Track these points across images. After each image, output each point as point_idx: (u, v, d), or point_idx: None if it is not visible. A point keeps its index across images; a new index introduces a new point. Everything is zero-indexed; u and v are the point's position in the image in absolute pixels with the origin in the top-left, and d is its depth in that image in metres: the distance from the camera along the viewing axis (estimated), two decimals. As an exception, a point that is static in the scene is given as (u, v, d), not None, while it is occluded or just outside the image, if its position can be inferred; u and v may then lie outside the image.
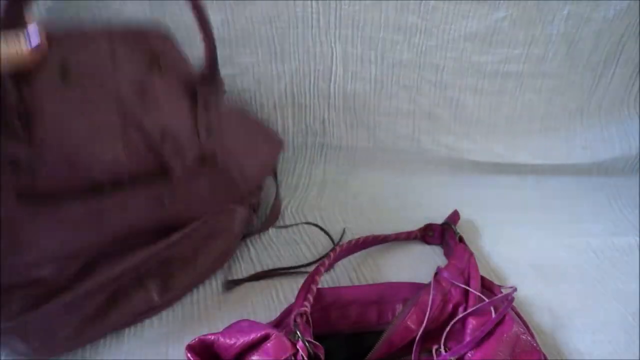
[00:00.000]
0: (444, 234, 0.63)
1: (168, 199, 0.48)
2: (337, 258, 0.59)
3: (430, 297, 0.48)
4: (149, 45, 0.45)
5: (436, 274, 0.52)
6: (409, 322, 0.46)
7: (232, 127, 0.55)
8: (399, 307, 0.50)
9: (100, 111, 0.42)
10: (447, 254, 0.61)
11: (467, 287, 0.50)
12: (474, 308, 0.47)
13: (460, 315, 0.47)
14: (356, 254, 0.61)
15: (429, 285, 0.50)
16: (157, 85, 0.44)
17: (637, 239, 0.67)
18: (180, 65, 0.48)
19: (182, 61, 0.49)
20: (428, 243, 0.64)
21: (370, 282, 0.58)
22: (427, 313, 0.47)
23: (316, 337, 0.43)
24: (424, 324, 0.46)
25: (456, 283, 0.50)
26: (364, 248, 0.62)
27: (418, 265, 0.61)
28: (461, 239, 0.60)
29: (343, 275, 0.59)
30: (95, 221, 0.44)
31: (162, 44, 0.47)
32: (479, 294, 0.49)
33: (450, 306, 0.49)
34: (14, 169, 0.39)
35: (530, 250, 0.64)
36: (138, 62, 0.44)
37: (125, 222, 0.46)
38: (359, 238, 0.61)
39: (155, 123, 0.44)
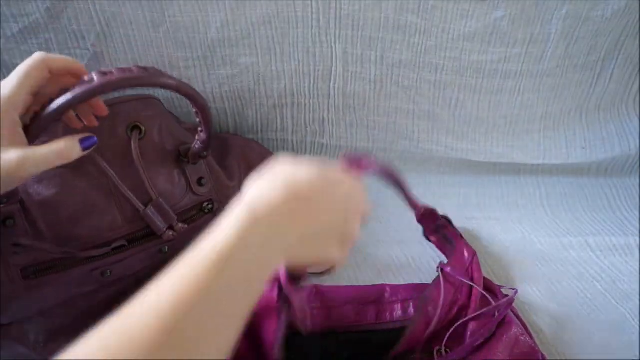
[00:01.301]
0: (439, 227, 0.62)
1: (168, 247, 0.50)
2: None
3: (442, 291, 0.47)
4: (128, 113, 0.48)
5: (442, 269, 0.52)
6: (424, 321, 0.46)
7: (231, 169, 0.57)
8: (397, 308, 0.50)
9: (91, 186, 0.45)
10: (445, 251, 0.61)
11: (473, 284, 0.49)
12: (480, 312, 0.47)
13: (466, 318, 0.47)
14: (356, 255, 0.61)
15: (436, 281, 0.49)
16: (138, 151, 0.46)
17: (637, 239, 0.67)
18: (164, 126, 0.50)
19: (166, 121, 0.50)
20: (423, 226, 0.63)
21: (369, 282, 0.58)
22: (439, 310, 0.46)
23: (316, 335, 0.43)
24: (434, 322, 0.45)
25: (463, 280, 0.50)
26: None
27: (418, 265, 0.61)
28: (461, 237, 0.60)
29: (343, 275, 0.59)
30: (98, 277, 0.46)
31: (144, 109, 0.49)
32: (484, 293, 0.49)
33: (456, 308, 0.48)
34: (16, 251, 0.41)
35: (530, 250, 0.64)
36: (119, 132, 0.47)
37: (127, 273, 0.49)
38: None
39: (137, 189, 0.46)
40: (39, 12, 0.56)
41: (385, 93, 0.70)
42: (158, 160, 0.48)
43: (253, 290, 0.29)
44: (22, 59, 0.60)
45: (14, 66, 0.60)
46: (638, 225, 0.69)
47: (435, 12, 0.64)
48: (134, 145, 0.46)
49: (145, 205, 0.46)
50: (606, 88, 0.75)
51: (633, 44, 0.71)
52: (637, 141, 0.76)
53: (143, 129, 0.48)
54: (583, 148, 0.77)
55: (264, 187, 0.32)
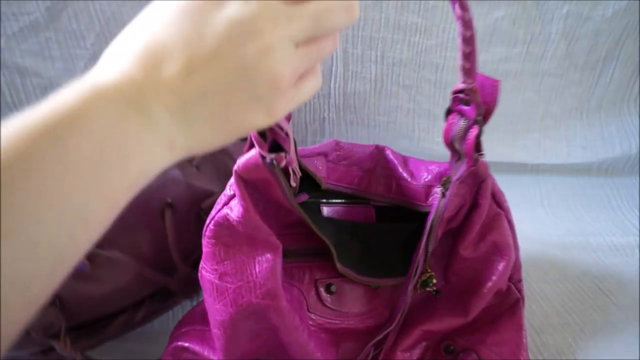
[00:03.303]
0: None
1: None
2: None
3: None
4: (159, 192, 0.46)
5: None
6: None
7: None
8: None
9: (122, 274, 0.45)
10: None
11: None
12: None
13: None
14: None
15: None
16: (173, 234, 0.46)
17: (637, 239, 0.66)
18: (189, 188, 0.49)
19: (190, 181, 0.49)
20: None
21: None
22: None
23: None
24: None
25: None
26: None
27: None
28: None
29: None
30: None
31: (172, 181, 0.48)
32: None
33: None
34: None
35: (530, 250, 0.64)
36: (154, 218, 0.46)
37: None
38: None
39: (165, 264, 0.46)
40: (39, 11, 0.56)
41: (385, 92, 0.70)
42: (185, 226, 0.47)
43: (104, 187, 0.21)
44: (22, 58, 0.61)
45: (14, 65, 0.60)
46: (638, 225, 0.69)
47: (435, 12, 0.64)
48: (169, 230, 0.45)
49: (171, 275, 0.47)
50: (607, 88, 0.75)
51: (634, 44, 0.71)
52: (638, 141, 0.76)
53: (174, 204, 0.47)
54: (583, 148, 0.77)
55: (109, 52, 0.23)
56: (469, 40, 0.34)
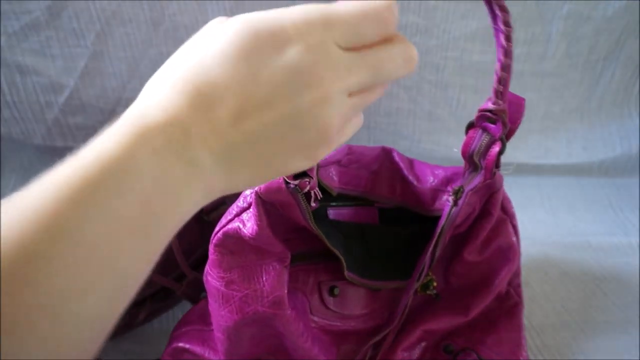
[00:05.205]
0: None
1: None
2: None
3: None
4: None
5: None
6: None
7: None
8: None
9: None
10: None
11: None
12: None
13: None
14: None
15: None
16: (176, 241, 0.45)
17: (637, 239, 0.66)
18: None
19: None
20: None
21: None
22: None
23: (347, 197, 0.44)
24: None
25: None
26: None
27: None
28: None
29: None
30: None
31: None
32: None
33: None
34: None
35: (531, 250, 0.64)
36: None
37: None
38: None
39: (170, 269, 0.46)
40: (39, 9, 0.56)
41: (385, 93, 0.70)
42: (186, 228, 0.47)
43: (147, 234, 0.20)
44: (23, 57, 0.61)
45: (15, 63, 0.60)
46: (638, 225, 0.69)
47: (436, 12, 0.64)
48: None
49: (179, 281, 0.47)
50: (607, 87, 0.75)
51: (634, 43, 0.71)
52: (638, 141, 0.76)
53: None
54: (584, 148, 0.77)
55: (155, 84, 0.22)
56: (507, 68, 0.37)
